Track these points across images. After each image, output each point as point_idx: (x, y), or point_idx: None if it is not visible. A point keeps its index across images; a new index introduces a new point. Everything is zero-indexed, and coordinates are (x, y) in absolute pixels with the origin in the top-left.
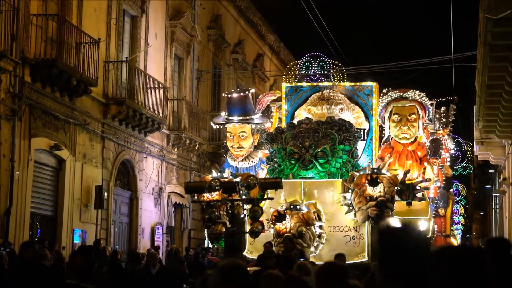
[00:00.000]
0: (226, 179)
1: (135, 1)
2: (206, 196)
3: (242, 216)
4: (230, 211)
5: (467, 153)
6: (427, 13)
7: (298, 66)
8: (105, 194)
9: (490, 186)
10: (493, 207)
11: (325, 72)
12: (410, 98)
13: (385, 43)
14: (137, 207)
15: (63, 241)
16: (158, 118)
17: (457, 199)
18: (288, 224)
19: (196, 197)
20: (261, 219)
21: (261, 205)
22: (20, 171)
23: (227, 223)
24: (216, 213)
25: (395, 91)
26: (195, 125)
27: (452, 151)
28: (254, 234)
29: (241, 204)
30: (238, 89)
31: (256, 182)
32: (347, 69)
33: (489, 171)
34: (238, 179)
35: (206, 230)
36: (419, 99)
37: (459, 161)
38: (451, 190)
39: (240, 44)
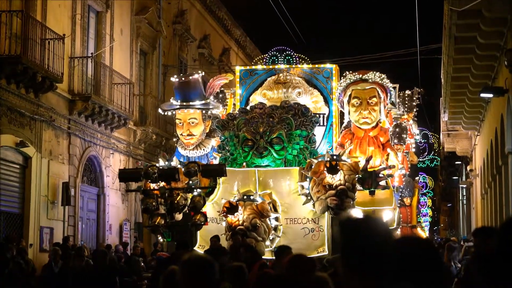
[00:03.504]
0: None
1: None
2: (153, 186)
3: (182, 207)
4: (168, 201)
5: (434, 145)
6: (392, 5)
7: (264, 60)
8: (72, 190)
9: (457, 177)
10: (460, 198)
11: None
12: (370, 80)
13: (352, 36)
14: (104, 204)
15: (30, 238)
16: (124, 113)
17: (425, 191)
18: (240, 216)
19: (142, 187)
20: (205, 210)
21: (213, 196)
22: None
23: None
24: (154, 203)
25: (354, 73)
26: (162, 120)
27: (418, 137)
28: (196, 226)
29: (182, 194)
30: (187, 73)
31: (198, 169)
32: (312, 62)
33: (456, 162)
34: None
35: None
36: (380, 81)
37: (426, 153)
38: (417, 178)
39: (206, 39)
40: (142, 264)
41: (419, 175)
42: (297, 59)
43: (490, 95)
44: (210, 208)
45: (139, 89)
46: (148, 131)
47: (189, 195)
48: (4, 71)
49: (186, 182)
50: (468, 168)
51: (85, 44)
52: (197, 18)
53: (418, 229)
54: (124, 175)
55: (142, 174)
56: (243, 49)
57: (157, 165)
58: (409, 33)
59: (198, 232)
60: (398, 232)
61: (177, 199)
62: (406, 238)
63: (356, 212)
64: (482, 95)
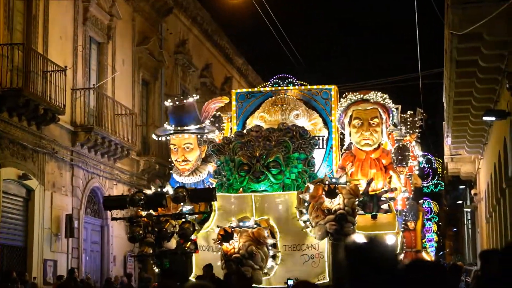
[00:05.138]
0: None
1: (102, 28)
2: (144, 214)
3: (170, 234)
4: (156, 229)
5: (438, 170)
6: (393, 31)
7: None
8: (76, 222)
9: (461, 202)
10: (465, 222)
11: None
12: (371, 100)
13: (354, 62)
14: (108, 235)
15: (34, 271)
16: (127, 144)
17: (430, 216)
18: (236, 244)
19: (130, 215)
20: (195, 237)
21: (208, 223)
22: None
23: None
24: (141, 231)
25: (355, 94)
26: (164, 149)
27: (421, 159)
28: (185, 255)
29: (171, 221)
30: (181, 97)
31: (186, 194)
32: (314, 89)
33: (460, 187)
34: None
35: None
36: (382, 102)
37: (430, 178)
38: (421, 201)
39: (208, 68)
40: None
41: (424, 200)
42: (299, 86)
43: (493, 118)
44: (205, 236)
45: (142, 119)
46: (151, 161)
47: (179, 222)
48: (6, 104)
49: (179, 208)
50: (473, 192)
51: (87, 76)
52: (199, 47)
53: (423, 253)
54: (109, 203)
55: (127, 201)
56: (245, 77)
57: (144, 191)
58: (411, 57)
59: (194, 261)
60: (402, 257)
61: (166, 226)
62: (415, 262)
63: (359, 237)
64: (485, 118)
